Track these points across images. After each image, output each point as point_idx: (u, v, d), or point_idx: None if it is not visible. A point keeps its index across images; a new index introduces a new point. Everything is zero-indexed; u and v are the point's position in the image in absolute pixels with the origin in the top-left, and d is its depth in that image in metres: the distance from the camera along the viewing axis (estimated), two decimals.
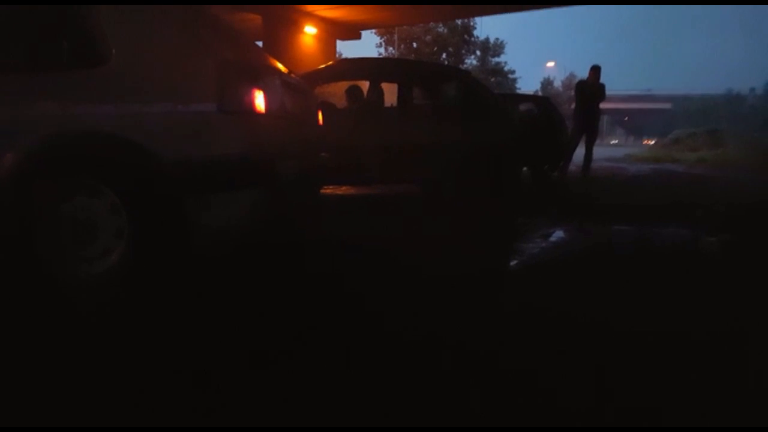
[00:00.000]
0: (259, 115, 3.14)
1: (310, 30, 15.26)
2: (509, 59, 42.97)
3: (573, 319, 2.74)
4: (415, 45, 34.93)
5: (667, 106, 64.62)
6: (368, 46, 37.09)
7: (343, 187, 8.09)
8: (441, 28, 35.23)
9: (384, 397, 1.92)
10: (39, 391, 1.96)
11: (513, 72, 40.07)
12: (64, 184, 3.00)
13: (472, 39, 37.22)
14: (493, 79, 35.63)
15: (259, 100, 3.12)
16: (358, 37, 17.92)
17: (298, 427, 1.74)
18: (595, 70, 10.47)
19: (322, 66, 7.57)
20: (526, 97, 12.89)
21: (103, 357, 2.25)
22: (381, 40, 34.07)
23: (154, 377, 2.06)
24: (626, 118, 74.64)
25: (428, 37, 35.03)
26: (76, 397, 1.92)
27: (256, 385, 1.99)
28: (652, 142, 39.20)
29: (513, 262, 4.12)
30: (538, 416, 1.80)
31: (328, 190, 7.64)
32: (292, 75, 4.27)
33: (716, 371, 2.16)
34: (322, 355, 2.27)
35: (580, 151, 10.84)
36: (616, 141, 67.53)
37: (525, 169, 10.54)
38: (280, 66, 4.02)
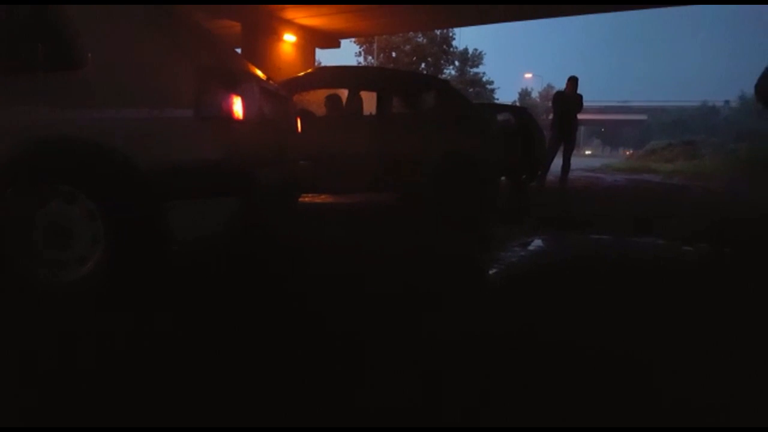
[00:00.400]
0: (237, 121, 3.10)
1: (289, 38, 15.22)
2: (487, 70, 43.32)
3: (552, 335, 2.74)
4: (394, 54, 35.03)
5: (643, 117, 65.31)
6: (347, 54, 37.22)
7: (322, 196, 8.06)
8: (420, 38, 35.37)
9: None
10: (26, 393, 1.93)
11: (491, 83, 40.34)
12: (39, 190, 2.95)
13: (451, 49, 37.41)
14: (471, 90, 35.83)
15: (237, 107, 3.08)
16: (338, 45, 17.91)
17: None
18: (573, 81, 10.56)
19: (301, 74, 7.54)
20: (504, 107, 12.91)
21: (77, 363, 2.21)
22: (360, 49, 34.16)
23: (128, 381, 2.02)
24: (603, 129, 75.44)
25: (407, 47, 35.15)
26: (56, 400, 1.87)
27: (231, 389, 1.96)
28: (629, 153, 39.60)
29: (491, 272, 4.11)
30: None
31: (306, 199, 7.60)
32: (271, 82, 4.24)
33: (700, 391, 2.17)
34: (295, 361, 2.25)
35: (557, 161, 10.91)
36: (590, 152, 67.37)
37: (503, 179, 10.58)
38: (258, 72, 3.99)
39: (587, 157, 44.84)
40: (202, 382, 2.08)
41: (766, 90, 6.15)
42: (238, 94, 3.10)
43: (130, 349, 2.40)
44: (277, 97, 4.05)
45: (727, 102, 50.36)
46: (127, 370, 2.18)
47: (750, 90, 6.69)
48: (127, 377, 2.11)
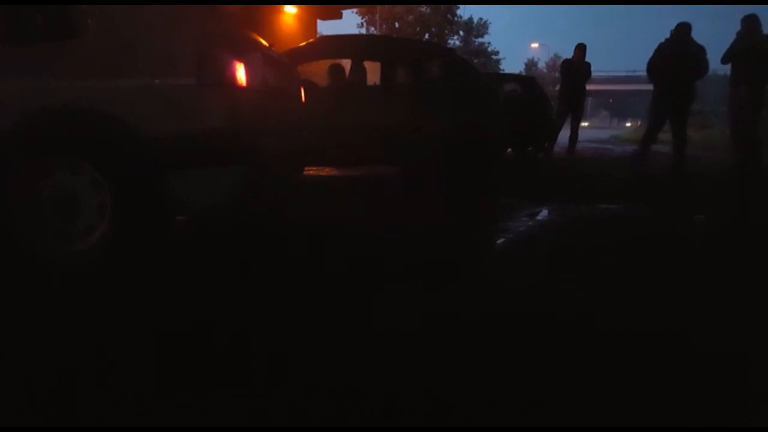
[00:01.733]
0: (240, 88, 3.04)
1: (290, 9, 15.00)
2: (493, 40, 42.85)
3: (557, 298, 2.70)
4: (397, 25, 34.65)
5: (651, 87, 64.20)
6: (349, 26, 36.82)
7: (326, 169, 7.99)
8: (424, 8, 34.96)
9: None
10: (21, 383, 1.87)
11: (497, 53, 39.99)
12: (44, 160, 2.92)
13: (455, 19, 36.99)
14: (476, 60, 35.45)
15: (240, 74, 3.01)
16: (339, 16, 17.69)
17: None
18: (581, 48, 10.36)
19: (303, 44, 7.42)
20: (511, 77, 12.79)
21: (85, 341, 2.18)
22: (362, 20, 33.77)
23: (136, 366, 1.99)
24: (610, 100, 74.46)
25: (410, 17, 34.76)
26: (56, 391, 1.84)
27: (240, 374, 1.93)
28: (629, 124, 38.98)
29: (499, 241, 4.07)
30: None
31: (310, 171, 7.53)
32: (274, 50, 4.15)
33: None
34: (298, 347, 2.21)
35: (565, 132, 10.79)
36: (587, 123, 63.72)
37: (509, 150, 10.48)
38: (261, 40, 3.90)
39: (586, 129, 44.18)
40: (203, 353, 2.05)
41: (654, 68, 7.90)
42: (241, 61, 3.04)
43: (136, 320, 2.38)
44: (281, 66, 3.98)
45: None
46: (133, 342, 2.16)
47: None
48: (133, 349, 2.09)
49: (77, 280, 2.84)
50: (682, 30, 7.81)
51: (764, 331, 2.34)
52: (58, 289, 2.72)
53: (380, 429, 1.61)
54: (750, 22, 7.65)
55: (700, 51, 7.73)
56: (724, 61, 7.88)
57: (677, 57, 7.61)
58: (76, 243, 2.97)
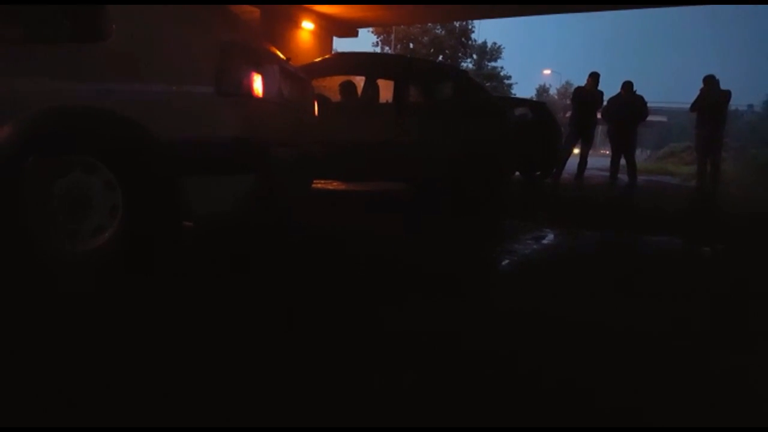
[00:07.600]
0: (257, 99, 3.10)
1: (307, 25, 15.18)
2: (505, 64, 43.02)
3: (564, 320, 2.72)
4: (411, 46, 34.88)
5: (663, 119, 64.27)
6: (365, 44, 37.19)
7: (335, 183, 8.05)
8: (438, 30, 35.20)
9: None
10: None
11: (509, 77, 40.10)
12: (60, 159, 2.96)
13: (470, 42, 37.21)
14: (488, 84, 35.59)
15: (258, 85, 3.08)
16: (355, 34, 17.84)
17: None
18: (594, 77, 10.44)
19: (318, 59, 7.51)
20: (522, 102, 12.83)
21: (87, 342, 2.21)
22: (377, 39, 34.03)
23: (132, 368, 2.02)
24: None
25: (425, 39, 34.99)
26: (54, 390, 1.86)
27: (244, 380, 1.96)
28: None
29: (503, 263, 4.10)
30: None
31: (319, 184, 7.58)
32: (291, 63, 4.23)
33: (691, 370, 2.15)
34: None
35: (574, 159, 10.83)
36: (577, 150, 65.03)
37: (518, 173, 10.51)
38: (279, 53, 3.98)
39: (604, 156, 44.25)
40: (211, 360, 2.08)
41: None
42: (259, 72, 3.11)
43: (140, 323, 2.42)
44: (297, 79, 4.04)
45: (750, 106, 48.79)
46: (134, 346, 2.19)
47: None
48: (133, 354, 2.11)
49: (84, 281, 2.87)
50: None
51: None
52: (63, 289, 2.75)
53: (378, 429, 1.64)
54: (710, 81, 10.25)
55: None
56: (692, 109, 10.52)
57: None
58: (86, 242, 2.99)
